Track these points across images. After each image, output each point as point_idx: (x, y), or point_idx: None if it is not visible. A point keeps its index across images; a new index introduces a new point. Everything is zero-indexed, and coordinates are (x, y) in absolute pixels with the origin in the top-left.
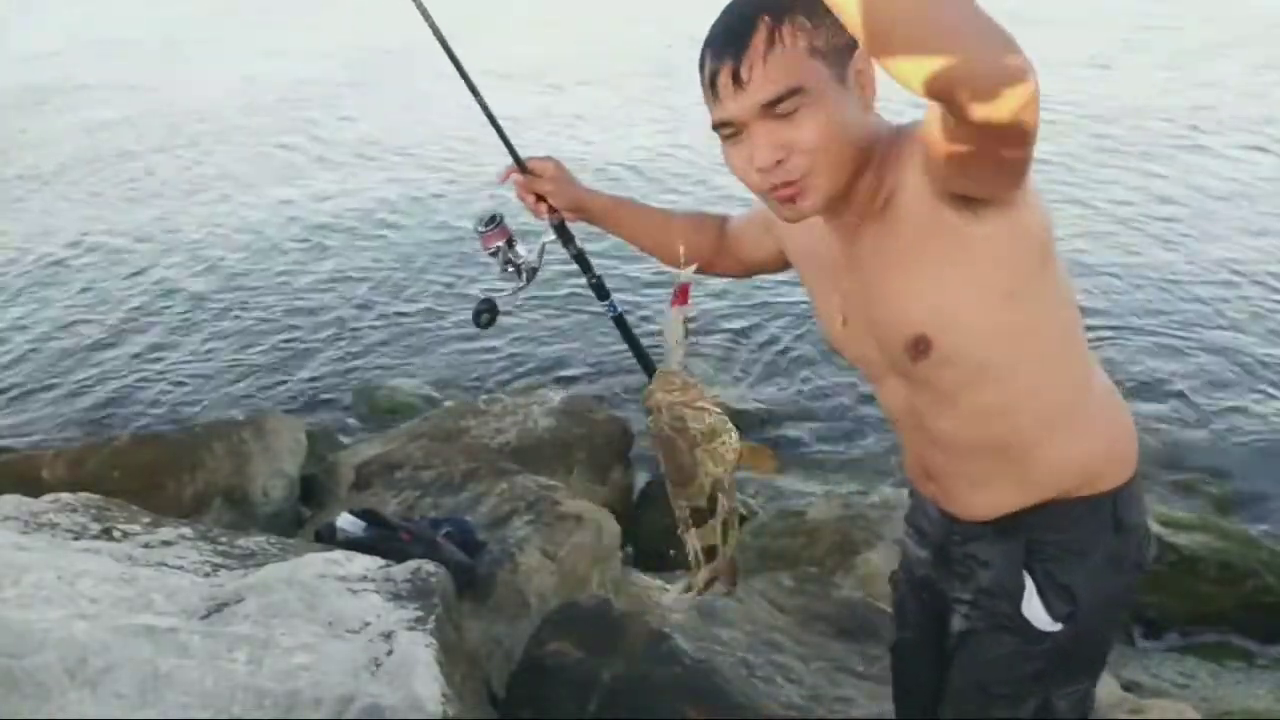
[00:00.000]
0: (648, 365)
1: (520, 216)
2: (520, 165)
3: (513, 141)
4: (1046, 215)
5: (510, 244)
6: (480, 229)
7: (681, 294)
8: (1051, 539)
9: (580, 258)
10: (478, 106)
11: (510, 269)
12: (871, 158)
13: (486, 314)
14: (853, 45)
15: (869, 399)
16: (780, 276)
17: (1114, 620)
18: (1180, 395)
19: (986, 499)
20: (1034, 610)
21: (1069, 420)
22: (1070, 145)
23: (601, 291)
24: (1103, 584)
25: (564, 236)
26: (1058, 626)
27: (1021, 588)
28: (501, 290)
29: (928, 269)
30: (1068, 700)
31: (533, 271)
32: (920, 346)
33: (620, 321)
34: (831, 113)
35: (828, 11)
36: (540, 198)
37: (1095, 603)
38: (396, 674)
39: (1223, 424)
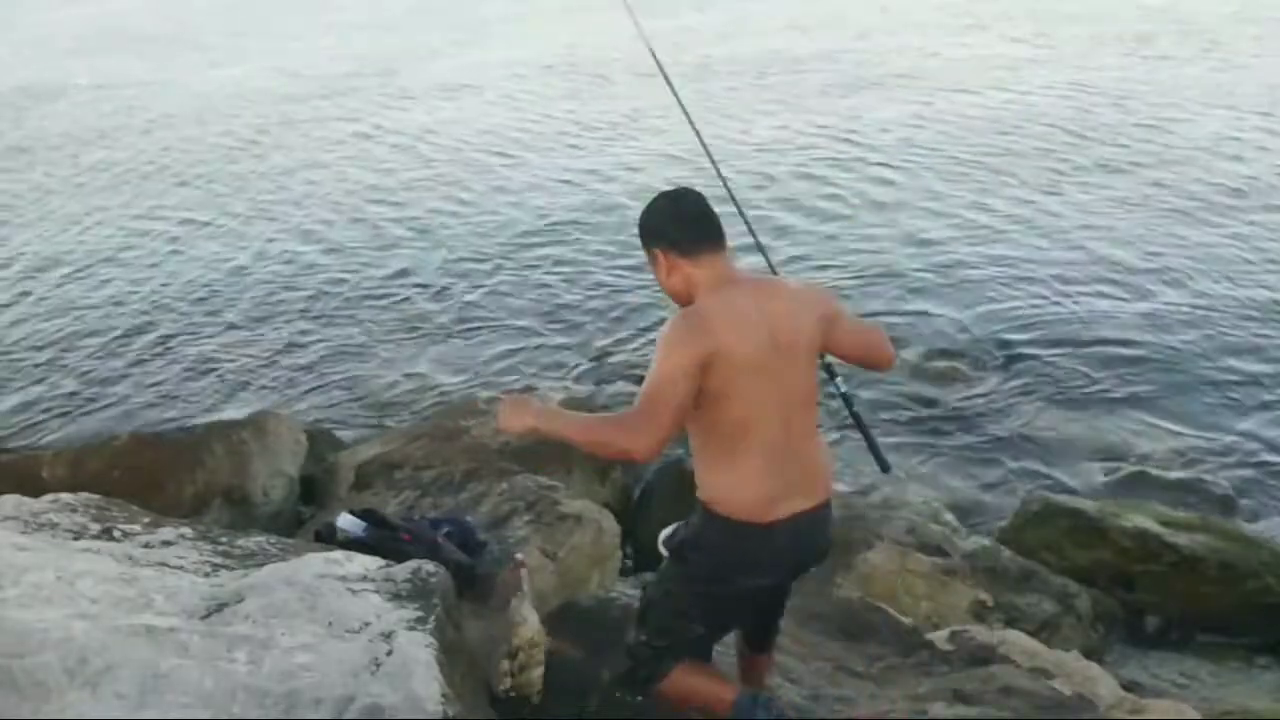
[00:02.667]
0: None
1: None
2: None
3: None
4: (723, 378)
5: None
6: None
7: None
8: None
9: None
10: (478, 110)
11: None
12: None
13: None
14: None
15: (868, 402)
16: None
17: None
18: (1180, 395)
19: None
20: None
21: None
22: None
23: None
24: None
25: None
26: (665, 552)
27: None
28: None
29: None
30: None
31: None
32: None
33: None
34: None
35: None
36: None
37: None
38: (396, 674)
39: (1223, 425)
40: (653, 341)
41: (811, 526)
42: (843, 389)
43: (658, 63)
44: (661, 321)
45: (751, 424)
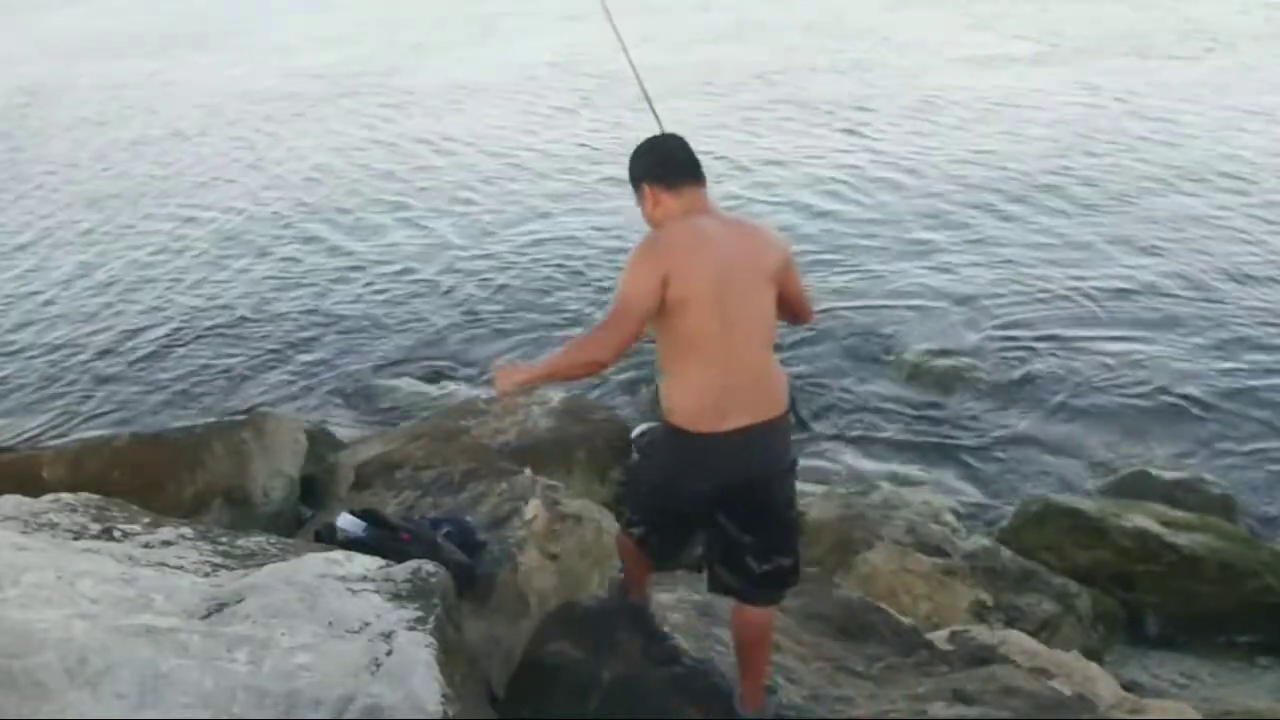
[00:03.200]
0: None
1: None
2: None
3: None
4: (681, 290)
5: None
6: None
7: None
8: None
9: None
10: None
11: None
12: None
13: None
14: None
15: (869, 402)
16: None
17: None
18: (1181, 396)
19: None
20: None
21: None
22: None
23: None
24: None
25: None
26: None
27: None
28: None
29: None
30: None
31: None
32: None
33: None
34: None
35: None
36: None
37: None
38: (396, 674)
39: (1224, 425)
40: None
41: (760, 439)
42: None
43: (636, 75)
44: None
45: (704, 340)
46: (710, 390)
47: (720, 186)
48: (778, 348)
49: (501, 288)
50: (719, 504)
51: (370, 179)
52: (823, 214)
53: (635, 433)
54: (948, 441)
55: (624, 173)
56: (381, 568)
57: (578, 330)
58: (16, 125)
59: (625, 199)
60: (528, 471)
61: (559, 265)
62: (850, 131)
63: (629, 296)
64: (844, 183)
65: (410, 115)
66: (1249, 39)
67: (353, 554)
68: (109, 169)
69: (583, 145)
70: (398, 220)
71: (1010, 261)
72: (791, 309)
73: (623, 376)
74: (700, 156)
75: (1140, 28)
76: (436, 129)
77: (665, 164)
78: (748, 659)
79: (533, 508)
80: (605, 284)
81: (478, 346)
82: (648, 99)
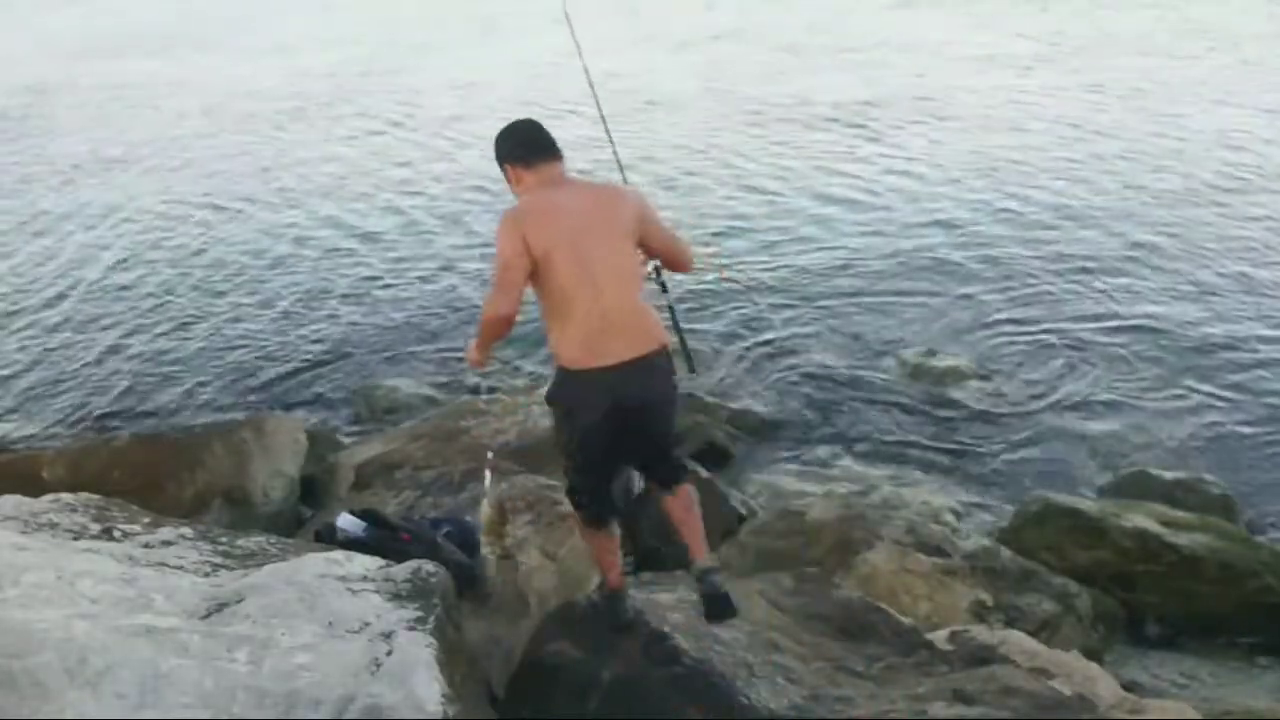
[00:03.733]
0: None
1: None
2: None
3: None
4: (540, 247)
5: None
6: None
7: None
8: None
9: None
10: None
11: None
12: None
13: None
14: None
15: (869, 402)
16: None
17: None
18: (1181, 397)
19: None
20: None
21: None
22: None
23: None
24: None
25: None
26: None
27: None
28: None
29: None
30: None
31: None
32: None
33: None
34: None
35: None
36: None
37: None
38: (396, 674)
39: (1224, 425)
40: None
41: (637, 371)
42: (669, 301)
43: (593, 92)
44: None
45: (571, 290)
46: (583, 333)
47: (715, 193)
48: (776, 355)
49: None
50: (615, 431)
51: (370, 179)
52: (824, 215)
53: (545, 392)
54: (948, 441)
55: (633, 176)
56: (381, 568)
57: None
58: (17, 125)
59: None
60: (490, 455)
61: None
62: (853, 132)
63: (502, 256)
64: (844, 183)
65: (410, 116)
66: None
67: (353, 554)
68: (109, 170)
69: (582, 146)
70: (398, 221)
71: (1011, 262)
72: (663, 256)
73: None
74: (700, 156)
75: (1140, 28)
76: (437, 130)
77: (522, 145)
78: (688, 529)
79: (486, 505)
80: None
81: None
82: (599, 106)
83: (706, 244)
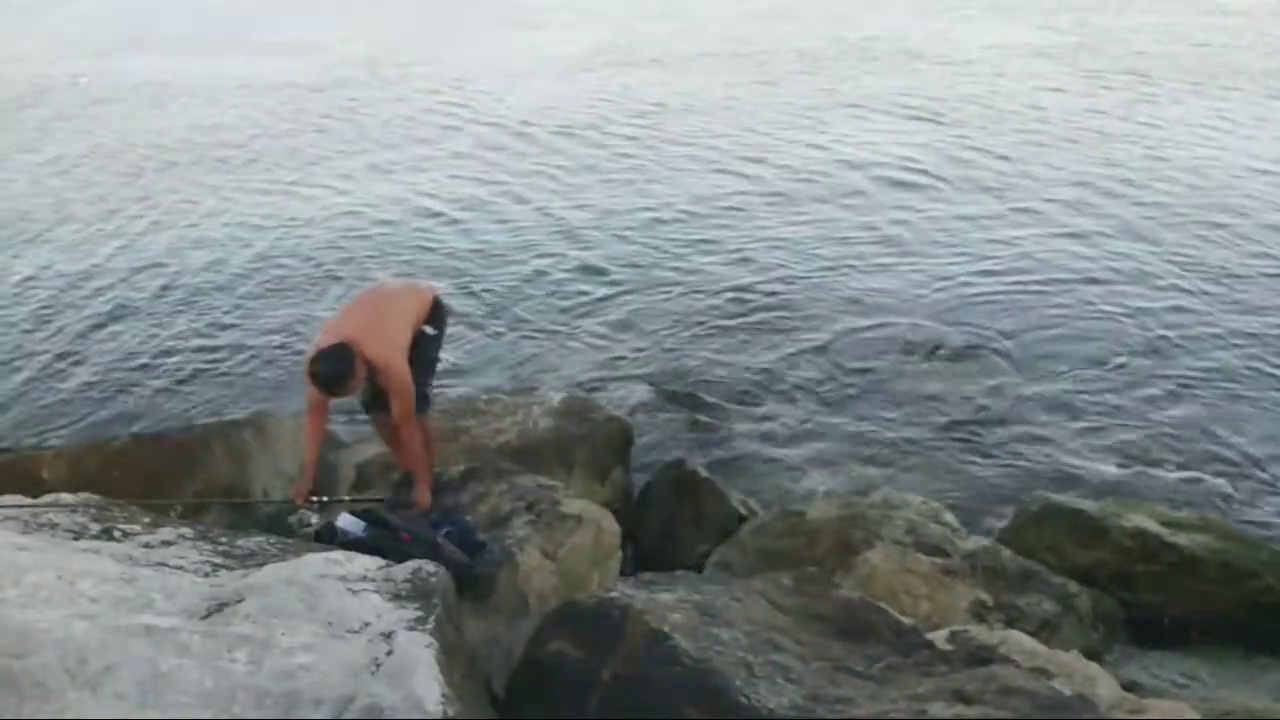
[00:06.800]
0: None
1: None
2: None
3: None
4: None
5: None
6: None
7: None
8: None
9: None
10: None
11: None
12: None
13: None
14: None
15: (870, 402)
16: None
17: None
18: (1181, 396)
19: None
20: None
21: None
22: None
23: None
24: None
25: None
26: None
27: None
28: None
29: None
30: None
31: None
32: None
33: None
34: None
35: None
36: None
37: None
38: (396, 674)
39: (1224, 425)
40: (657, 343)
41: None
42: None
43: None
44: (661, 324)
45: None
46: None
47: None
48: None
49: (504, 288)
50: None
51: (371, 179)
52: (825, 215)
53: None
54: (948, 441)
55: (628, 169)
56: (381, 568)
57: (578, 325)
58: (17, 125)
59: (622, 199)
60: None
61: (563, 266)
62: (859, 129)
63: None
64: (844, 184)
65: (413, 114)
66: None
67: (353, 554)
68: (109, 170)
69: (604, 147)
70: (398, 221)
71: (1012, 262)
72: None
73: (622, 376)
74: (700, 154)
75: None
76: (442, 131)
77: (313, 372)
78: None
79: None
80: (605, 280)
81: (480, 346)
82: None
83: (710, 243)
